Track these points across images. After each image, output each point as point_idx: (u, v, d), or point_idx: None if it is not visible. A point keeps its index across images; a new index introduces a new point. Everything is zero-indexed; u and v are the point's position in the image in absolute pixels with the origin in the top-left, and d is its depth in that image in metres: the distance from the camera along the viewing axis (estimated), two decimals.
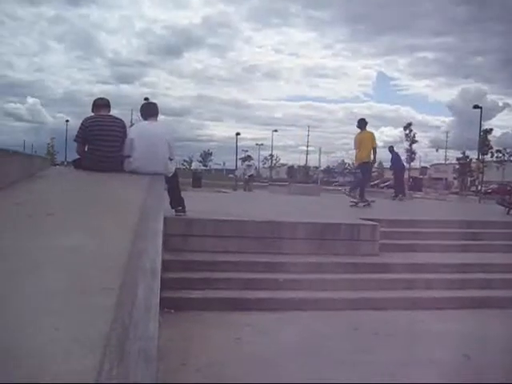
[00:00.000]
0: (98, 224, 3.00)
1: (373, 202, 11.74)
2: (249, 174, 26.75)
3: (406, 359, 4.05)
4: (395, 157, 16.92)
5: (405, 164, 13.31)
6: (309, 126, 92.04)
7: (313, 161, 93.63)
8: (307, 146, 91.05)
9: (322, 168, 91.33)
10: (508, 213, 10.82)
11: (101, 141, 5.91)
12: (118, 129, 6.06)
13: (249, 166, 27.74)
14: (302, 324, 4.83)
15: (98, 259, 2.27)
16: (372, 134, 11.78)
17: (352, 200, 11.21)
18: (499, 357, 4.22)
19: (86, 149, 6.10)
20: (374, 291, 5.78)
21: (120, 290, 1.85)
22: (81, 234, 2.68)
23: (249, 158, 26.88)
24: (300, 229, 6.58)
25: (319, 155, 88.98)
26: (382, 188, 49.25)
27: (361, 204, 11.18)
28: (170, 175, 6.15)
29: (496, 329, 4.99)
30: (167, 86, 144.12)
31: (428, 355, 4.12)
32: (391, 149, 17.18)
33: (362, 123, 11.61)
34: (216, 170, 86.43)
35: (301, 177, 78.43)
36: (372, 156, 11.36)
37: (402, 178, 18.32)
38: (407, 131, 68.83)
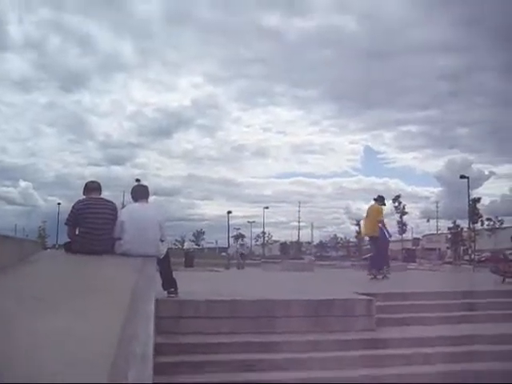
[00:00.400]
0: (88, 307, 2.95)
1: (388, 274, 12.16)
2: (241, 252, 26.63)
3: None
4: (379, 231, 17.37)
5: (388, 236, 14.14)
6: (299, 202, 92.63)
7: (305, 236, 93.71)
8: (299, 222, 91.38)
9: (314, 243, 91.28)
10: (503, 281, 10.76)
11: (91, 224, 5.92)
12: (109, 211, 6.09)
13: (241, 245, 27.88)
14: None
15: (87, 344, 2.23)
16: (380, 207, 12.35)
17: (371, 273, 11.88)
18: None
19: (77, 232, 6.10)
20: (372, 368, 5.64)
21: (110, 377, 1.80)
22: (70, 318, 2.64)
23: (241, 236, 26.65)
24: (294, 306, 6.49)
25: (311, 230, 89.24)
26: None
27: (379, 276, 11.63)
28: (162, 257, 6.13)
29: None
30: (158, 166, 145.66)
31: None
32: None
33: (378, 198, 12.41)
34: (209, 248, 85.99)
35: (294, 253, 78.09)
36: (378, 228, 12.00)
37: (387, 250, 18.71)
38: (396, 203, 69.48)
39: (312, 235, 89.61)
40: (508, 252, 20.57)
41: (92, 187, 6.38)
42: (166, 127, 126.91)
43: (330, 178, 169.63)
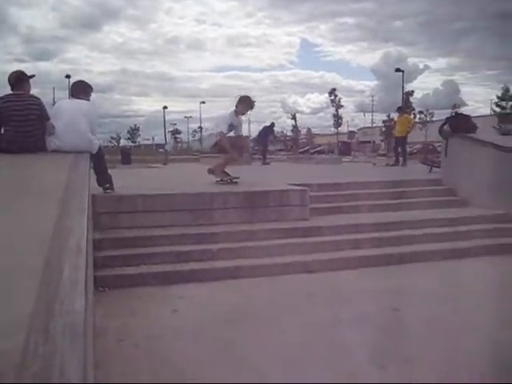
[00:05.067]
0: (20, 205, 2.90)
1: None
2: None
3: (337, 317, 4.20)
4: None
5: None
6: (236, 97, 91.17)
7: (244, 131, 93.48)
8: None
9: (252, 137, 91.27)
10: (430, 171, 11.25)
11: (16, 121, 5.64)
12: (34, 107, 5.79)
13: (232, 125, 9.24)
14: (237, 292, 4.89)
15: (20, 240, 2.21)
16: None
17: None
18: (426, 308, 4.45)
19: (3, 130, 5.82)
20: (305, 255, 5.90)
21: (44, 270, 1.81)
22: (2, 216, 2.60)
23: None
24: (231, 198, 6.59)
25: (248, 124, 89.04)
26: (313, 153, 50.07)
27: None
28: (95, 152, 5.99)
29: (422, 282, 5.25)
30: (88, 61, 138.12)
31: (359, 311, 4.29)
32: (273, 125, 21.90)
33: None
34: (145, 145, 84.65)
35: None
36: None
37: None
38: (332, 97, 69.94)
39: (249, 129, 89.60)
40: (437, 144, 21.44)
41: (12, 81, 5.94)
42: (93, 18, 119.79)
43: (266, 72, 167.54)
